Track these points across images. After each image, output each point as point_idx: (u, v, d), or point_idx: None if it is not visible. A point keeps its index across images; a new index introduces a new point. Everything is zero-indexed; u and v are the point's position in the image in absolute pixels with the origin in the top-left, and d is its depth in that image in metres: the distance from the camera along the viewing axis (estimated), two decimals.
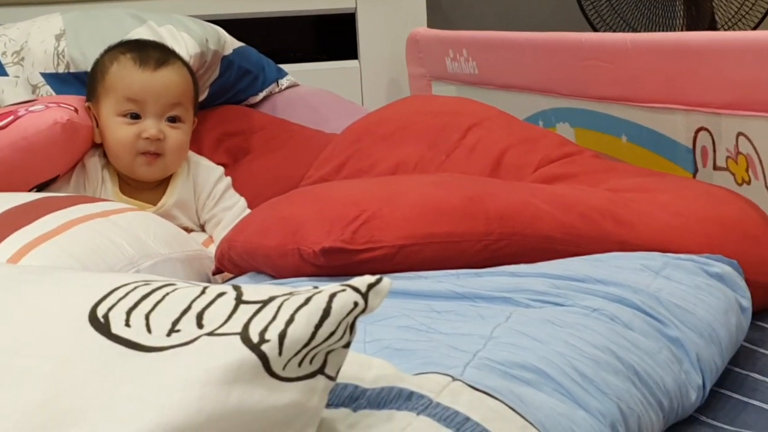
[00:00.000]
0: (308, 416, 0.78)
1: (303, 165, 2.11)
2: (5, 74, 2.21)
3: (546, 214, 1.42)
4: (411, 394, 0.89)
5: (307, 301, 0.79)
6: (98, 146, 1.93)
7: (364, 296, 0.79)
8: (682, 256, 1.36)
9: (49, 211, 1.54)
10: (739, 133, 1.77)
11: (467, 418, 0.88)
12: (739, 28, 3.35)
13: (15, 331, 0.83)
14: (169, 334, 0.79)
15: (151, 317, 0.81)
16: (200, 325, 0.79)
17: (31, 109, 1.83)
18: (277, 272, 1.44)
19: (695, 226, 1.46)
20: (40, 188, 1.83)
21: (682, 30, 3.32)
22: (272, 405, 0.76)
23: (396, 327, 1.12)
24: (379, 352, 1.02)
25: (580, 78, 2.20)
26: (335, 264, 1.36)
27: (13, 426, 0.75)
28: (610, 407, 1.02)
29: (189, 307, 0.81)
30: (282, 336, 0.76)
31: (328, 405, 0.85)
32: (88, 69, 2.12)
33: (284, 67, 2.63)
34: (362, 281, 0.80)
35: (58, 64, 2.19)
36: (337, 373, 0.81)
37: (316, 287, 0.81)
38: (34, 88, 2.18)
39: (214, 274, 1.65)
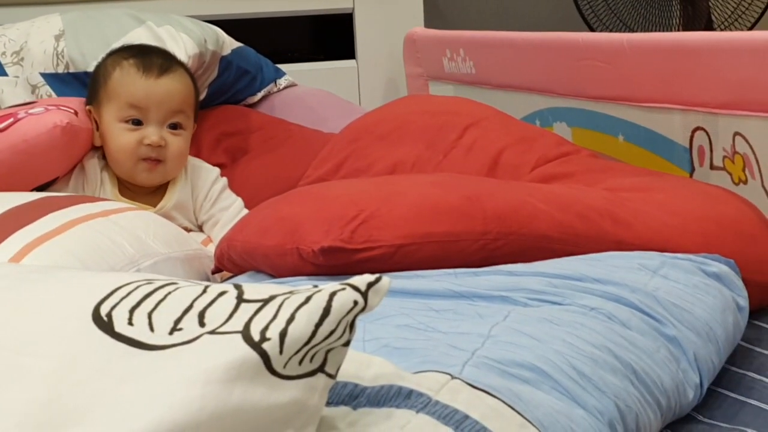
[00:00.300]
0: (309, 414, 0.79)
1: (301, 165, 2.11)
2: (5, 74, 2.21)
3: (543, 214, 1.43)
4: (410, 392, 0.90)
5: (308, 299, 0.79)
6: (97, 148, 1.94)
7: (364, 295, 0.80)
8: (679, 255, 1.36)
9: (50, 210, 1.55)
10: (736, 133, 1.78)
11: (466, 416, 0.89)
12: (736, 28, 3.36)
13: (19, 330, 0.84)
14: (171, 333, 0.79)
15: (154, 316, 0.81)
16: (202, 324, 0.80)
17: (30, 111, 1.83)
18: (276, 271, 1.44)
19: (692, 226, 1.46)
20: (39, 190, 1.83)
21: (678, 30, 3.32)
22: (273, 403, 0.76)
23: (395, 326, 1.12)
24: (378, 351, 1.03)
25: (577, 78, 2.20)
26: (334, 263, 1.36)
27: (17, 424, 0.76)
28: (608, 405, 1.03)
29: (191, 306, 0.82)
30: (283, 334, 0.77)
31: (328, 403, 0.86)
32: (88, 69, 2.13)
33: (282, 67, 2.63)
34: (362, 280, 0.80)
35: (57, 65, 2.19)
36: (337, 371, 0.82)
37: (316, 286, 0.82)
38: (34, 88, 2.19)
39: (213, 273, 1.65)
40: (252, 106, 2.50)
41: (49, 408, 0.76)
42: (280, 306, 0.79)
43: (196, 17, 2.40)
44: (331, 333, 0.78)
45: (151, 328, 0.80)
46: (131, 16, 2.29)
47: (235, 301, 0.81)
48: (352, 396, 0.89)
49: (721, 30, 3.32)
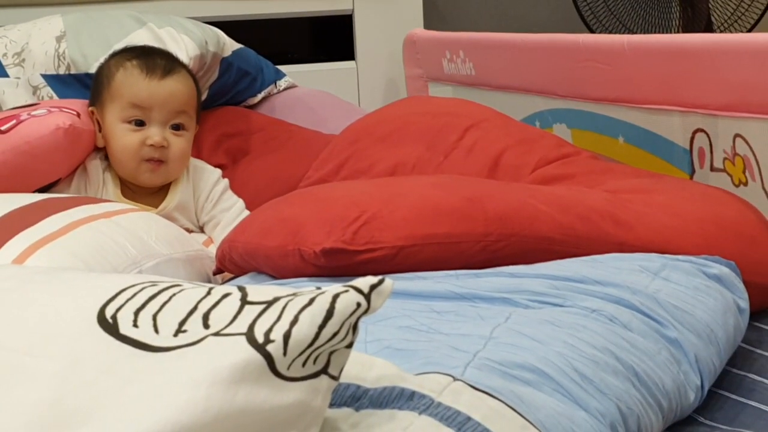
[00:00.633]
0: (312, 416, 0.79)
1: (302, 166, 2.12)
2: (6, 76, 2.22)
3: (545, 215, 1.43)
4: (412, 393, 0.90)
5: (311, 301, 0.79)
6: (100, 149, 1.94)
7: (367, 297, 0.80)
8: (680, 257, 1.36)
9: (53, 212, 1.55)
10: (736, 135, 1.78)
11: (468, 418, 0.89)
12: (736, 30, 3.36)
13: (24, 332, 0.84)
14: (176, 335, 0.80)
15: (159, 318, 0.82)
16: (206, 326, 0.80)
17: (33, 113, 1.83)
18: (277, 273, 1.45)
19: (693, 228, 1.46)
20: (41, 191, 1.83)
21: (678, 31, 3.32)
22: (277, 404, 0.76)
23: (397, 327, 1.12)
24: (380, 352, 1.03)
25: (577, 79, 2.21)
26: (335, 265, 1.36)
27: (23, 425, 0.76)
28: (610, 407, 1.03)
29: (195, 308, 0.82)
30: (287, 336, 0.77)
31: (331, 405, 0.86)
32: (89, 70, 2.13)
33: (282, 68, 2.63)
34: (365, 282, 0.81)
35: (58, 66, 2.20)
36: (340, 372, 0.82)
37: (319, 288, 0.82)
38: (35, 89, 2.19)
39: (214, 274, 1.65)
40: (252, 107, 2.50)
41: (54, 409, 0.76)
42: (283, 308, 0.79)
43: (197, 19, 2.41)
44: (335, 335, 0.79)
45: (156, 330, 0.81)
46: (132, 18, 2.29)
47: (239, 303, 0.82)
48: (354, 397, 0.89)
49: (721, 32, 3.33)
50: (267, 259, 1.45)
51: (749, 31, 3.33)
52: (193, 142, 1.99)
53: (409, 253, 1.37)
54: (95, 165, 1.93)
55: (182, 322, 0.81)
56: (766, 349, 1.39)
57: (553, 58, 2.29)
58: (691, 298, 1.27)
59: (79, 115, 1.87)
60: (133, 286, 0.86)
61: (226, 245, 1.55)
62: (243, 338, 0.77)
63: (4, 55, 2.24)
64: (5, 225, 1.51)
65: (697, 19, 3.29)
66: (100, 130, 1.92)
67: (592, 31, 3.28)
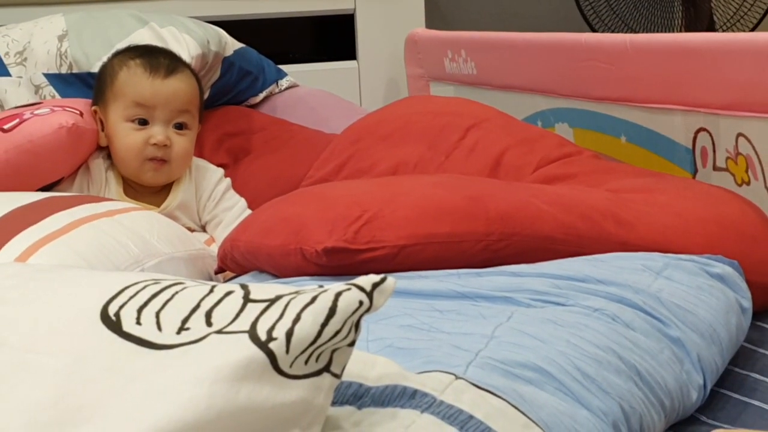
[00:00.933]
0: (314, 413, 0.79)
1: (303, 165, 2.12)
2: (8, 75, 2.22)
3: (547, 215, 1.43)
4: (415, 392, 0.90)
5: (314, 300, 0.79)
6: (102, 149, 1.94)
7: (369, 295, 0.80)
8: (683, 256, 1.36)
9: (56, 210, 1.56)
10: (739, 134, 1.78)
11: (471, 416, 0.89)
12: (738, 29, 3.36)
13: (27, 329, 0.84)
14: (179, 332, 0.80)
15: (162, 315, 0.82)
16: (209, 323, 0.80)
17: (36, 112, 1.84)
18: (279, 272, 1.45)
19: (695, 227, 1.46)
20: (44, 190, 1.83)
21: (680, 31, 3.32)
22: (280, 402, 0.77)
23: (398, 326, 1.12)
24: (381, 351, 1.03)
25: (579, 78, 2.20)
26: (337, 264, 1.36)
27: (27, 422, 0.76)
28: (612, 406, 1.03)
29: (198, 306, 0.82)
30: (289, 334, 0.77)
31: (333, 403, 0.86)
32: (91, 70, 2.13)
33: (284, 67, 2.63)
34: (367, 280, 0.81)
35: (60, 65, 2.20)
36: (342, 370, 0.82)
37: (321, 286, 0.82)
38: (37, 88, 2.19)
39: (216, 272, 1.65)
40: (254, 106, 2.50)
41: (57, 406, 0.77)
42: (286, 306, 0.79)
43: (199, 18, 2.41)
44: (337, 333, 0.79)
45: (159, 328, 0.81)
46: (134, 17, 2.30)
47: (241, 301, 0.82)
48: (356, 396, 0.89)
49: (723, 31, 3.33)
50: (269, 258, 1.45)
51: (751, 30, 3.33)
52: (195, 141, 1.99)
53: (410, 252, 1.37)
54: (98, 164, 1.93)
55: (185, 320, 0.81)
56: None
57: (555, 58, 2.29)
58: (694, 297, 1.27)
59: (81, 114, 1.88)
60: (135, 283, 0.86)
61: (227, 244, 1.55)
62: (246, 336, 0.77)
63: (6, 54, 2.24)
64: (8, 223, 1.51)
65: (700, 19, 3.30)
66: (102, 129, 1.92)
67: (594, 31, 3.29)
